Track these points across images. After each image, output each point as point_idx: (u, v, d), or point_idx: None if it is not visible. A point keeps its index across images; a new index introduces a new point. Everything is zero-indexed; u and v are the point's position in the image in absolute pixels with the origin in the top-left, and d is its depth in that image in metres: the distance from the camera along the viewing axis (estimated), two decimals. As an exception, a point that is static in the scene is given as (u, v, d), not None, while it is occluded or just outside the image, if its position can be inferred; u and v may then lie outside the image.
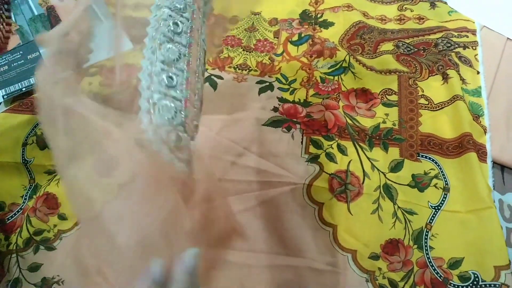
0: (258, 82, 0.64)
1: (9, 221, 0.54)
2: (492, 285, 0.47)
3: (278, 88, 0.63)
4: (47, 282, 0.50)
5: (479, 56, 0.66)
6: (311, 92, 0.63)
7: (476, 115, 0.59)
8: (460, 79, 0.62)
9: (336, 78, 0.64)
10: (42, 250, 0.52)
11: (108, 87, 0.62)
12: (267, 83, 0.64)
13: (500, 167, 0.57)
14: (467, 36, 0.68)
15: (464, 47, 0.66)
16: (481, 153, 0.56)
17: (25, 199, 0.56)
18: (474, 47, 0.66)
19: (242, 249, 0.52)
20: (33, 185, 0.56)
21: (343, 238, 0.52)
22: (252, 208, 0.54)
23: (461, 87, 0.61)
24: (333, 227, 0.52)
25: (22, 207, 0.55)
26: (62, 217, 0.54)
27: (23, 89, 0.64)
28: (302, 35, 0.69)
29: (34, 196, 0.55)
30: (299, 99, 0.62)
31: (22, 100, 0.63)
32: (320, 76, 0.64)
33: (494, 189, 0.54)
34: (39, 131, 0.59)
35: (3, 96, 0.64)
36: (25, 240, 0.53)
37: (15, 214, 0.55)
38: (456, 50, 0.66)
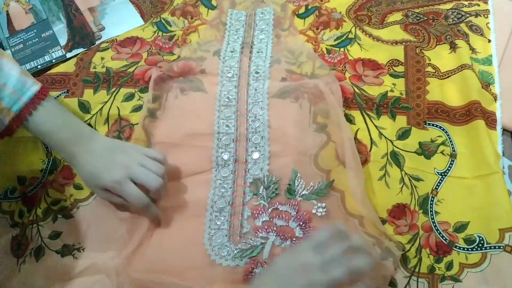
0: (265, 57, 0.65)
1: (30, 194, 0.57)
2: (497, 247, 0.48)
3: (285, 61, 0.64)
4: (68, 248, 0.53)
5: (491, 24, 0.65)
6: (318, 64, 0.63)
7: (486, 83, 0.59)
8: (470, 49, 0.62)
9: (342, 49, 0.64)
10: (61, 219, 0.55)
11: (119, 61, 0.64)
12: (274, 58, 0.65)
13: (510, 134, 0.57)
14: (478, 5, 0.67)
15: (476, 15, 0.65)
16: (491, 121, 0.56)
17: (45, 173, 0.58)
18: (485, 15, 0.66)
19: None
20: (51, 158, 0.58)
21: (351, 204, 0.53)
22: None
23: (470, 57, 0.61)
24: (341, 193, 0.53)
25: (42, 181, 0.57)
26: (78, 187, 0.56)
27: (39, 66, 0.66)
28: (309, 6, 0.69)
29: (55, 171, 0.58)
30: (306, 72, 0.63)
31: (38, 78, 0.64)
32: (326, 48, 0.65)
33: (503, 155, 0.55)
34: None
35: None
36: (43, 210, 0.55)
37: (35, 187, 0.57)
38: (468, 19, 0.65)
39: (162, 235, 0.53)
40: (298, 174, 0.54)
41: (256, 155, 0.56)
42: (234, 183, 0.55)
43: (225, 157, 0.56)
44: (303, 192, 0.53)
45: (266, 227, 0.51)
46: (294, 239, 0.50)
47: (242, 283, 0.48)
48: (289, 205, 0.52)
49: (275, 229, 0.51)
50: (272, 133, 0.57)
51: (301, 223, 0.51)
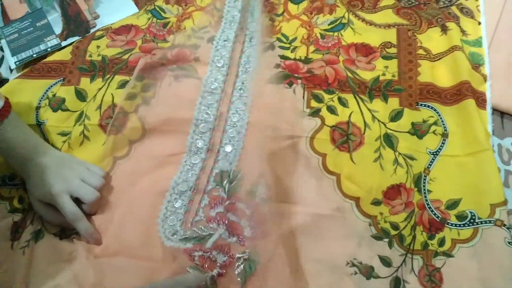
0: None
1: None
2: (488, 222, 0.49)
3: (279, 46, 0.65)
4: (66, 232, 0.53)
5: (481, 7, 0.66)
6: (312, 48, 0.64)
7: (477, 65, 0.60)
8: (461, 31, 0.63)
9: (336, 34, 0.65)
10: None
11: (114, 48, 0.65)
12: (268, 44, 0.65)
13: (499, 113, 0.58)
14: (469, -12, 0.68)
15: (466, -2, 0.66)
16: (481, 101, 0.57)
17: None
18: (476, -2, 0.66)
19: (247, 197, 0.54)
20: (50, 145, 0.59)
21: (346, 186, 0.54)
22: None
23: (460, 39, 0.62)
24: (337, 175, 0.54)
25: None
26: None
27: (34, 55, 0.67)
28: (303, -8, 0.70)
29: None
30: (300, 57, 0.63)
31: (34, 66, 0.65)
32: (320, 33, 0.65)
33: (493, 134, 0.56)
34: (51, 94, 0.62)
35: (15, 63, 0.67)
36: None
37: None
38: (458, 2, 0.66)
39: (122, 212, 0.54)
40: (263, 179, 0.53)
41: (228, 148, 0.57)
42: (201, 170, 0.55)
43: (199, 144, 0.57)
44: (263, 196, 0.53)
45: (218, 218, 0.52)
46: (241, 237, 0.51)
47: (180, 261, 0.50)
48: (247, 204, 0.52)
49: (226, 222, 0.51)
50: (252, 127, 0.58)
51: (252, 224, 0.51)
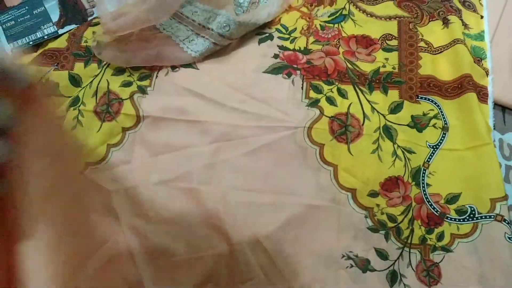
0: (257, 34, 0.65)
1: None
2: (488, 217, 0.48)
3: (278, 37, 0.64)
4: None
5: (483, 1, 0.65)
6: (311, 39, 0.63)
7: (479, 58, 0.59)
8: (462, 25, 0.62)
9: (336, 25, 0.64)
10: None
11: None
12: (267, 34, 0.64)
13: (501, 108, 0.57)
14: (471, -19, 0.67)
15: (469, -8, 0.65)
16: (482, 94, 0.56)
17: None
18: (478, -8, 0.65)
19: (244, 188, 0.53)
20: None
21: (343, 177, 0.53)
22: (253, 152, 0.55)
23: (462, 32, 0.61)
24: (334, 166, 0.53)
25: None
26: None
27: (31, 42, 0.66)
28: (303, -17, 0.69)
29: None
30: (300, 47, 0.62)
31: (30, 55, 0.65)
32: (320, 24, 0.64)
33: (494, 129, 0.55)
34: (44, 80, 0.61)
35: (11, 50, 0.66)
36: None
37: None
38: (461, -5, 0.65)
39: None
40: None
41: None
42: None
43: None
44: None
45: None
46: None
47: None
48: None
49: None
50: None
51: None
